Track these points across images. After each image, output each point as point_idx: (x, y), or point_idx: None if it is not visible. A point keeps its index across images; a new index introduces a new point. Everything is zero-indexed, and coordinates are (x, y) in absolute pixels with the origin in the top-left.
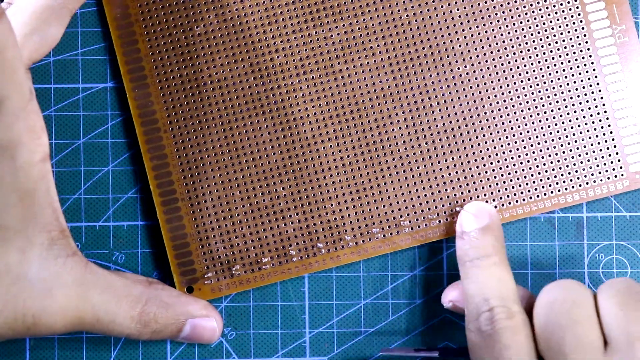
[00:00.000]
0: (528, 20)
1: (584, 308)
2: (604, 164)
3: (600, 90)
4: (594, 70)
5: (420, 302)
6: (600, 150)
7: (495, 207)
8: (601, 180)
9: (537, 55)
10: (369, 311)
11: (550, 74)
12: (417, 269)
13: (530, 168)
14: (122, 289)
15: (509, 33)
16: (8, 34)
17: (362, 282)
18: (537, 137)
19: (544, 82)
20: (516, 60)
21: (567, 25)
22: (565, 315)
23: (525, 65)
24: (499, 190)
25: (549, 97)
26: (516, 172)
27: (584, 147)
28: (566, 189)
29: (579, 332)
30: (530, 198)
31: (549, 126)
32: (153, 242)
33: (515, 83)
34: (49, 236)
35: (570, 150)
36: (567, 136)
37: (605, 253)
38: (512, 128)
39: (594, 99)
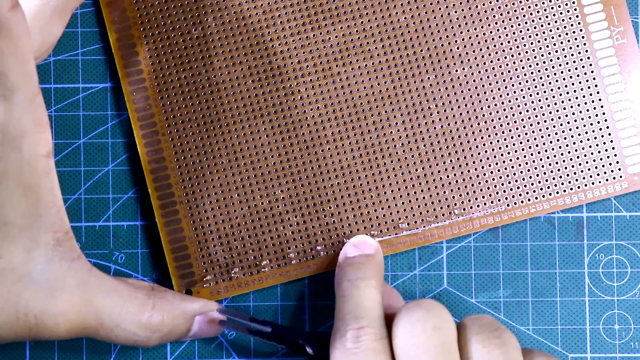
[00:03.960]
0: (526, 23)
1: (445, 334)
2: (603, 166)
3: (598, 92)
4: (592, 72)
5: None
6: (599, 152)
7: (495, 208)
8: (600, 182)
9: (535, 57)
10: None
11: (548, 76)
12: (417, 269)
13: (528, 170)
14: (127, 294)
15: (506, 35)
16: (22, 24)
17: None
18: (535, 139)
19: (542, 84)
20: (514, 63)
21: (565, 27)
22: (426, 339)
23: (523, 68)
24: (497, 192)
25: (547, 98)
26: (514, 174)
27: (583, 148)
28: (565, 190)
29: (439, 357)
30: (529, 200)
31: (547, 128)
32: (153, 242)
33: (513, 85)
34: (54, 236)
35: (569, 152)
36: (565, 138)
37: (605, 253)
38: (510, 130)
39: (593, 101)
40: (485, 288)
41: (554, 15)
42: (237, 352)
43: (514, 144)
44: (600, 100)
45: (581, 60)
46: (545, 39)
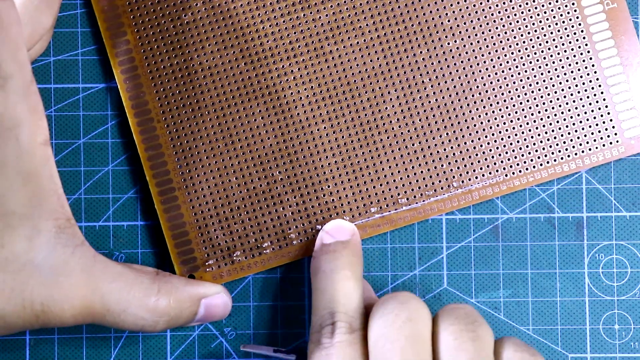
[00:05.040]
0: None
1: (417, 326)
2: (599, 132)
3: (591, 58)
4: (584, 38)
5: None
6: (594, 117)
7: (493, 179)
8: (597, 147)
9: (526, 25)
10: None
11: (540, 44)
12: (417, 269)
13: (525, 139)
14: (133, 279)
15: (497, 5)
16: (12, 11)
17: None
18: (530, 107)
19: (535, 52)
20: (506, 32)
21: None
22: (396, 330)
23: (515, 37)
24: (494, 163)
25: (540, 67)
26: (511, 144)
27: (578, 115)
28: (562, 158)
29: (407, 349)
30: (527, 169)
31: (542, 96)
32: (153, 242)
33: (505, 55)
34: (55, 224)
35: (564, 120)
36: (560, 105)
37: (605, 253)
38: (504, 100)
39: (586, 67)
40: (485, 288)
41: None
42: (237, 352)
43: (509, 114)
44: (593, 66)
45: (573, 27)
46: (536, 8)
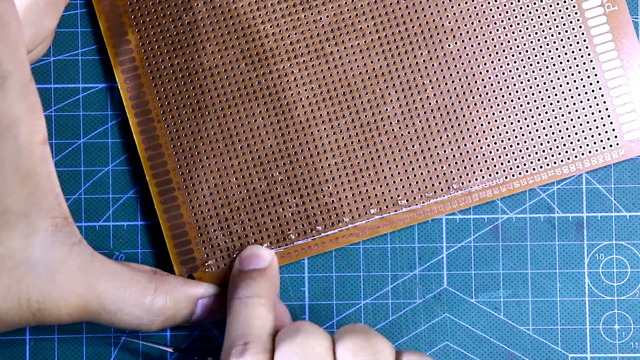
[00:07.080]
0: None
1: (320, 347)
2: (599, 134)
3: (592, 61)
4: (585, 40)
5: (420, 302)
6: (595, 120)
7: (493, 181)
8: (597, 150)
9: (527, 28)
10: (369, 311)
11: (541, 47)
12: (417, 269)
13: (525, 141)
14: (129, 278)
15: (497, 7)
16: (11, 10)
17: (362, 282)
18: (530, 110)
19: (535, 55)
20: (506, 35)
21: None
22: (302, 352)
23: (515, 39)
24: (494, 165)
25: (540, 69)
26: (511, 146)
27: (579, 118)
28: (562, 160)
29: None
30: (527, 172)
31: (542, 99)
32: (153, 242)
33: (506, 57)
34: (53, 222)
35: (565, 122)
36: (560, 108)
37: (605, 253)
38: (505, 102)
39: (587, 70)
40: (485, 288)
41: None
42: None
43: (509, 116)
44: (594, 69)
45: (573, 29)
46: (537, 10)
